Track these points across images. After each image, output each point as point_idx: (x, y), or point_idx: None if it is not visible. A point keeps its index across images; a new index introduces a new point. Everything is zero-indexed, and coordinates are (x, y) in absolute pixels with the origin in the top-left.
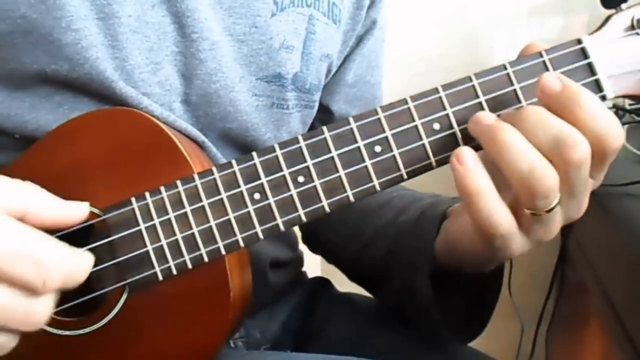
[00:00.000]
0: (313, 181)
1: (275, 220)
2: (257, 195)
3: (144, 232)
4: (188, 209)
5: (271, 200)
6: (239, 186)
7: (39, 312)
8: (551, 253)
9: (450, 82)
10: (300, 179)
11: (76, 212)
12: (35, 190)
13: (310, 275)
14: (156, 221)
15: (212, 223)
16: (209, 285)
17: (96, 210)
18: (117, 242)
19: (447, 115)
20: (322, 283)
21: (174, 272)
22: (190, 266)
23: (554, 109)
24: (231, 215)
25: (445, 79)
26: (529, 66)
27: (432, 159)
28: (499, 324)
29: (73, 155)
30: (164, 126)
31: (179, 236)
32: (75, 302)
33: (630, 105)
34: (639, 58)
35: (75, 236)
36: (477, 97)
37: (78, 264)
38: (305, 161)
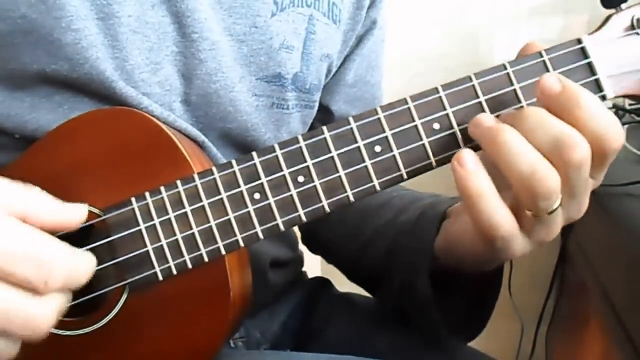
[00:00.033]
0: (313, 181)
1: (275, 220)
2: (257, 195)
3: (144, 232)
4: (188, 209)
5: (271, 200)
6: (239, 186)
7: (40, 315)
8: (551, 253)
9: (450, 82)
10: (300, 178)
11: (76, 215)
12: (35, 193)
13: (310, 275)
14: (156, 221)
15: (212, 223)
16: (209, 285)
17: (96, 210)
18: (117, 242)
19: (447, 115)
20: (322, 283)
21: (174, 272)
22: (190, 266)
23: (554, 110)
24: (231, 215)
25: (445, 79)
26: (529, 66)
27: (432, 159)
28: (499, 324)
29: (73, 155)
30: (164, 126)
31: (179, 236)
32: (75, 302)
33: (630, 105)
34: (639, 58)
35: (75, 236)
36: (477, 97)
37: (80, 265)
38: (305, 161)
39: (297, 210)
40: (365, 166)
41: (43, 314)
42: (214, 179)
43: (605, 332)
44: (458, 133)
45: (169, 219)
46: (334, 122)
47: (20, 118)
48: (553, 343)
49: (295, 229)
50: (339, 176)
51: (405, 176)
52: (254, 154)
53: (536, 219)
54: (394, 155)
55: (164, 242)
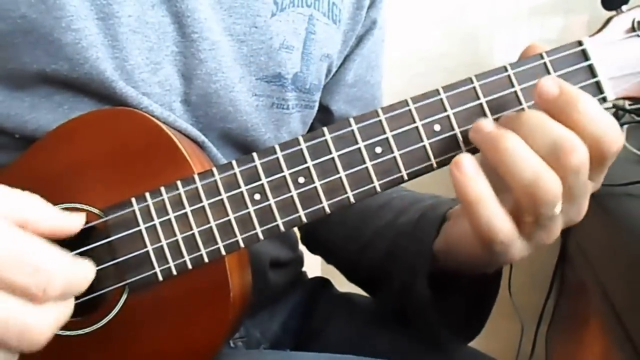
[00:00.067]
0: (313, 182)
1: (275, 221)
2: (257, 196)
3: (144, 232)
4: (188, 209)
5: (271, 201)
6: (240, 187)
7: (38, 325)
8: (551, 253)
9: (451, 83)
10: (301, 179)
11: (74, 222)
12: (33, 199)
13: (310, 275)
14: (156, 222)
15: (213, 224)
16: (209, 285)
17: (96, 211)
18: (117, 242)
19: (448, 116)
20: (322, 283)
21: (174, 272)
22: (190, 266)
23: (552, 113)
24: (231, 216)
25: (445, 79)
26: (530, 68)
27: (433, 161)
28: (499, 324)
29: (73, 155)
30: (164, 126)
31: (179, 237)
32: (75, 302)
33: (630, 105)
34: None
35: (75, 236)
36: (478, 98)
37: (79, 272)
38: (306, 162)
39: (297, 211)
40: (366, 167)
41: (41, 323)
42: (215, 180)
43: (605, 332)
44: (459, 135)
45: (169, 219)
46: (333, 122)
47: (20, 118)
48: (553, 343)
49: (295, 229)
50: (340, 177)
51: (405, 177)
52: (255, 155)
53: (536, 224)
54: (394, 157)
55: (164, 242)
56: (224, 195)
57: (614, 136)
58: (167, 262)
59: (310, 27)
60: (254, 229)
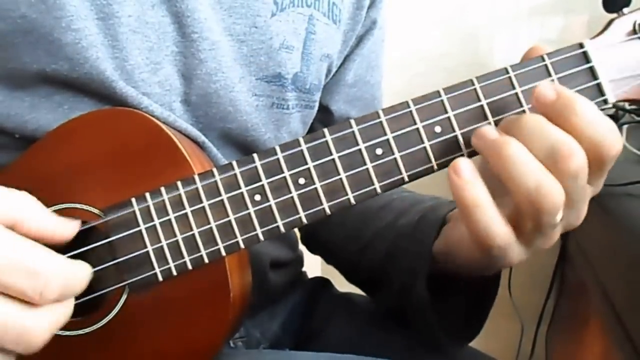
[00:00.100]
0: (314, 183)
1: (275, 222)
2: (257, 197)
3: (144, 232)
4: (188, 210)
5: (272, 202)
6: (240, 188)
7: (36, 328)
8: (551, 253)
9: (451, 85)
10: (301, 180)
11: (66, 228)
12: (26, 200)
13: (311, 275)
14: (156, 222)
15: (213, 224)
16: (209, 285)
17: (96, 211)
18: (117, 242)
19: (449, 118)
20: (322, 283)
21: (174, 272)
22: (190, 267)
23: (550, 117)
24: (232, 217)
25: (445, 79)
26: (531, 70)
27: (434, 162)
28: (499, 324)
29: (73, 156)
30: (164, 126)
31: (179, 237)
32: (75, 303)
33: (630, 105)
34: None
35: (75, 237)
36: (479, 100)
37: (75, 274)
38: (306, 163)
39: (297, 213)
40: (367, 169)
41: (39, 326)
42: (215, 180)
43: (605, 332)
44: (460, 136)
45: (170, 219)
46: (334, 122)
47: (20, 118)
48: (553, 343)
49: (296, 229)
50: (340, 178)
51: (406, 179)
52: (255, 155)
53: (536, 230)
54: (395, 158)
55: (164, 243)
56: (224, 196)
57: (612, 140)
58: (167, 263)
59: (310, 27)
60: (254, 229)
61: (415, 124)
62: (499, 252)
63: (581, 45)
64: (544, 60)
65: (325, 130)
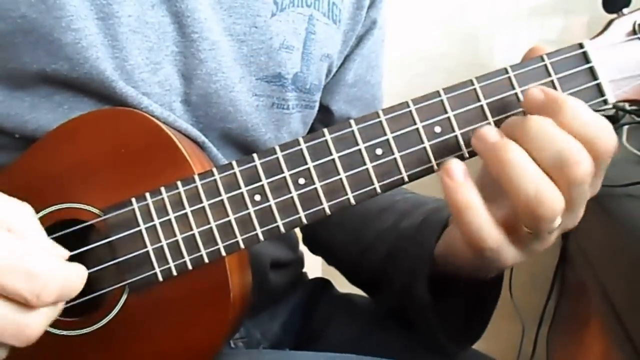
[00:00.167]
0: (314, 183)
1: (275, 222)
2: (257, 197)
3: (144, 232)
4: (188, 209)
5: (272, 202)
6: (240, 187)
7: (31, 326)
8: (552, 254)
9: (451, 85)
10: (301, 180)
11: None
12: (23, 210)
13: (311, 276)
14: (156, 222)
15: (213, 224)
16: (209, 285)
17: (96, 211)
18: (117, 242)
19: (449, 118)
20: (323, 284)
21: (174, 272)
22: (190, 267)
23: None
24: (231, 217)
25: (446, 79)
26: (530, 70)
27: (434, 162)
28: (500, 325)
29: (73, 156)
30: (164, 126)
31: (179, 237)
32: (75, 302)
33: (630, 106)
34: None
35: (75, 236)
36: (479, 100)
37: (72, 277)
38: (306, 163)
39: (297, 212)
40: (366, 169)
41: (34, 325)
42: (215, 180)
43: (605, 332)
44: (459, 136)
45: (169, 219)
46: (334, 122)
47: (20, 118)
48: (554, 344)
49: (297, 229)
50: (340, 178)
51: (406, 179)
52: (255, 155)
53: (534, 235)
54: (395, 158)
55: (164, 242)
56: (224, 196)
57: (606, 136)
58: (167, 263)
59: (310, 27)
60: (254, 229)
61: (415, 124)
62: (491, 253)
63: (581, 46)
64: (543, 60)
65: (325, 130)
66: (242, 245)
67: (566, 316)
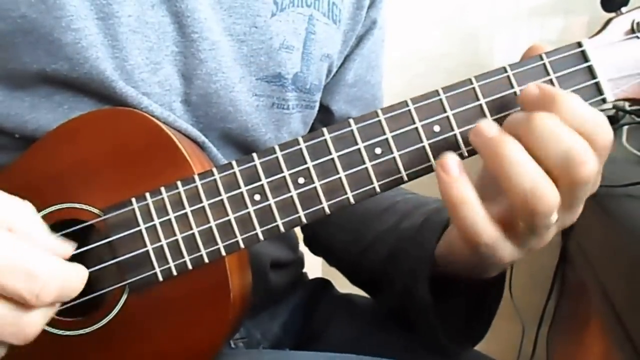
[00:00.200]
0: (313, 182)
1: (275, 221)
2: (257, 197)
3: (144, 232)
4: (188, 209)
5: (271, 201)
6: (240, 187)
7: (30, 325)
8: (552, 254)
9: (450, 84)
10: (301, 180)
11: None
12: (20, 203)
13: (311, 276)
14: (156, 221)
15: (213, 224)
16: (209, 285)
17: (96, 211)
18: (117, 242)
19: (448, 117)
20: (323, 284)
21: (174, 272)
22: (190, 267)
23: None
24: (231, 216)
25: (445, 80)
26: (529, 69)
27: (433, 161)
28: (499, 325)
29: (73, 156)
30: (164, 126)
31: (179, 237)
32: (75, 302)
33: (630, 106)
34: (639, 62)
35: (75, 236)
36: (478, 99)
37: (72, 277)
38: (306, 162)
39: (297, 212)
40: (366, 168)
41: (33, 324)
42: (215, 179)
43: (605, 332)
44: (458, 135)
45: (169, 219)
46: (334, 122)
47: (20, 118)
48: (554, 344)
49: (297, 230)
50: (339, 178)
51: (405, 178)
52: (255, 155)
53: (530, 231)
54: (394, 157)
55: (164, 242)
56: (224, 196)
57: (602, 130)
58: (167, 262)
59: (310, 27)
60: (254, 229)
61: (414, 123)
62: (487, 249)
63: (579, 44)
64: (542, 59)
65: (325, 129)
66: (242, 245)
67: (566, 316)
